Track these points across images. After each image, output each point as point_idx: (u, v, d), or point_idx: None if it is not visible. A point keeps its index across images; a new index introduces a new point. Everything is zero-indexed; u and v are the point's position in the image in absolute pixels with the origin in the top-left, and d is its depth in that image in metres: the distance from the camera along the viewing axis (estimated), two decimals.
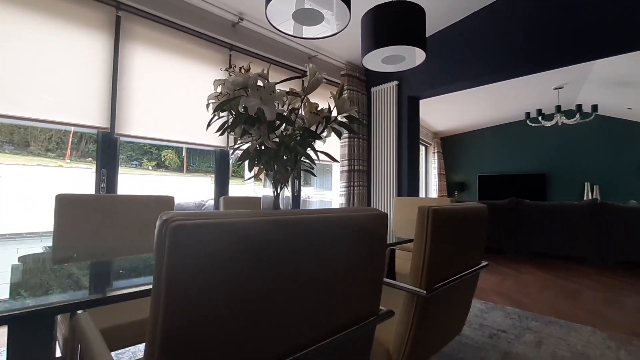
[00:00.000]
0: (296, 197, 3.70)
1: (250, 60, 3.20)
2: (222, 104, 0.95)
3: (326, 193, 4.83)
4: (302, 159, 1.22)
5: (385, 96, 3.86)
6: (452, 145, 8.43)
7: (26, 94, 2.05)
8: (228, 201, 1.83)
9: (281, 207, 1.26)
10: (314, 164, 1.29)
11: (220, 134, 1.04)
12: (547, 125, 5.35)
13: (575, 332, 1.88)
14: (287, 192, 1.28)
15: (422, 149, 8.36)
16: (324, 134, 1.30)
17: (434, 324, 0.95)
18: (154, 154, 7.38)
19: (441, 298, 0.93)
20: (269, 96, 0.95)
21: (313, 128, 1.22)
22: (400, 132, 3.76)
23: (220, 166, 3.05)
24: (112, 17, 2.42)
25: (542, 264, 3.70)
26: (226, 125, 1.04)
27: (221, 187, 3.05)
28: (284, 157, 1.17)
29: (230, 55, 3.07)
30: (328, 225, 0.54)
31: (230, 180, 3.15)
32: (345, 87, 3.86)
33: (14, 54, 2.02)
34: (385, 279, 0.92)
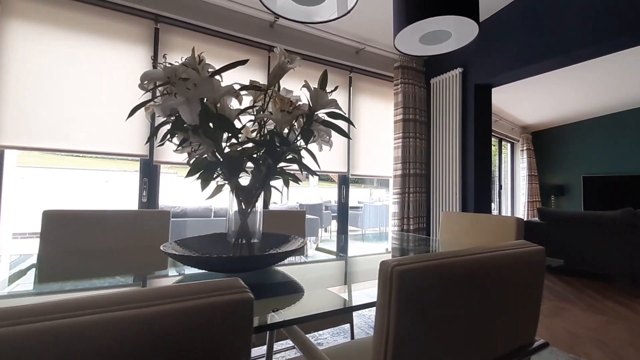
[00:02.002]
0: (343, 205, 3.41)
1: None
2: (135, 109, 0.74)
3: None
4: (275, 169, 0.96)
5: (448, 87, 3.30)
6: (546, 141, 7.07)
7: (74, 127, 2.20)
8: None
9: (257, 227, 1.02)
10: (300, 176, 1.01)
11: (160, 144, 0.84)
12: None
13: None
14: (259, 207, 1.02)
15: (507, 146, 7.22)
16: (313, 137, 1.02)
17: None
18: None
19: None
20: (189, 91, 0.71)
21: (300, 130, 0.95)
22: (466, 128, 3.16)
23: None
24: (151, 31, 2.48)
25: None
26: (164, 133, 0.83)
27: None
28: (245, 170, 0.93)
29: (269, 57, 2.94)
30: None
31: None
32: (400, 81, 3.42)
33: (62, 86, 2.17)
34: None
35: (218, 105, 0.90)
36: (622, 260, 3.14)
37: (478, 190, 3.07)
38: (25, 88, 2.08)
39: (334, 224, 7.34)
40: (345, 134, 0.97)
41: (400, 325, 0.48)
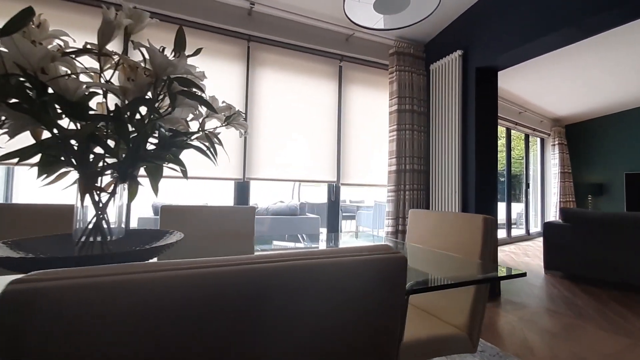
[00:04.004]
0: (334, 203, 3.18)
1: (271, 50, 2.87)
2: None
3: None
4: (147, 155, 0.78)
5: (447, 73, 2.97)
6: (582, 135, 6.37)
7: None
8: (168, 211, 1.51)
9: (118, 223, 0.86)
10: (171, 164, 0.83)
11: None
12: None
13: None
14: (118, 201, 0.86)
15: (536, 141, 6.60)
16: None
17: None
18: None
19: None
20: None
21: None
22: (466, 118, 2.82)
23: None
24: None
25: None
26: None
27: (240, 190, 2.79)
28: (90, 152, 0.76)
29: (248, 47, 2.79)
30: None
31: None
32: (395, 69, 3.13)
33: None
34: None
35: (46, 73, 0.74)
36: None
37: (479, 188, 2.71)
38: None
39: (343, 224, 7.09)
40: (211, 107, 0.78)
41: None
